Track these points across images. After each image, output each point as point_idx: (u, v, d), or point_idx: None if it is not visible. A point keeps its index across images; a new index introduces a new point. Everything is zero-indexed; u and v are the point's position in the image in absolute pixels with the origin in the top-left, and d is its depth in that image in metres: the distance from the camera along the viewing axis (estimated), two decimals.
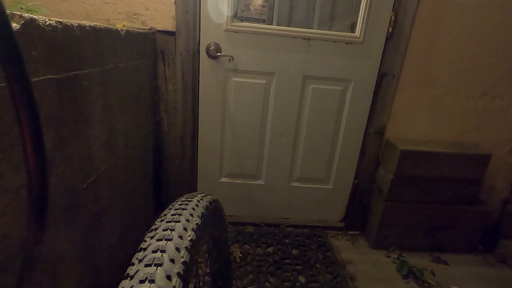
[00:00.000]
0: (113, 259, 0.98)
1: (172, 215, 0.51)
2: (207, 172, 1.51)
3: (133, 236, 1.18)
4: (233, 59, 1.32)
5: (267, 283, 1.19)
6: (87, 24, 0.71)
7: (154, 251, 0.41)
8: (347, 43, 1.32)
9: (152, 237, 0.45)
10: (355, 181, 1.54)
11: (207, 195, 0.66)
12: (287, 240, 1.46)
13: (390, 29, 1.30)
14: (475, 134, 1.46)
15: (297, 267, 1.29)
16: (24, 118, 0.27)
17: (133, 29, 1.11)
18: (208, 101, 1.39)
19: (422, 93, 1.39)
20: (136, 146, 1.13)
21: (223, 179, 1.54)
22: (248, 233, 1.49)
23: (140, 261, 0.40)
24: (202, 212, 0.55)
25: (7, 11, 0.41)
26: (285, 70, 1.36)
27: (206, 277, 1.10)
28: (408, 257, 1.39)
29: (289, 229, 1.57)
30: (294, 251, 1.39)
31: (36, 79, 0.54)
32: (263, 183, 1.54)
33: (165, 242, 0.43)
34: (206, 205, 0.59)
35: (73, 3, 1.18)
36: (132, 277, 0.38)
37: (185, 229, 0.47)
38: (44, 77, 0.56)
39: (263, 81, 1.37)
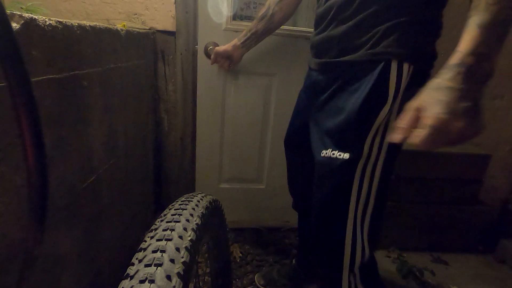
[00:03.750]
0: (113, 259, 0.98)
1: (172, 215, 0.51)
2: (206, 178, 1.47)
3: (133, 236, 1.18)
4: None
5: None
6: (87, 24, 0.71)
7: (154, 251, 0.41)
8: None
9: (152, 237, 0.45)
10: None
11: (207, 195, 0.66)
12: (287, 240, 1.46)
13: None
14: None
15: None
16: (24, 118, 0.27)
17: (133, 29, 1.11)
18: (207, 103, 1.37)
19: None
20: (136, 146, 1.13)
21: (223, 185, 1.50)
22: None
23: (140, 261, 0.40)
24: (202, 212, 0.55)
25: (7, 11, 0.41)
26: (287, 71, 1.34)
27: (206, 277, 1.10)
28: (408, 257, 1.39)
29: (289, 231, 1.56)
30: (294, 251, 1.39)
31: (36, 79, 0.54)
32: (264, 187, 1.52)
33: (165, 242, 0.43)
34: (206, 205, 0.59)
35: (73, 3, 1.18)
36: (132, 277, 0.38)
37: (185, 229, 0.47)
38: (44, 77, 0.56)
39: (264, 82, 1.36)
